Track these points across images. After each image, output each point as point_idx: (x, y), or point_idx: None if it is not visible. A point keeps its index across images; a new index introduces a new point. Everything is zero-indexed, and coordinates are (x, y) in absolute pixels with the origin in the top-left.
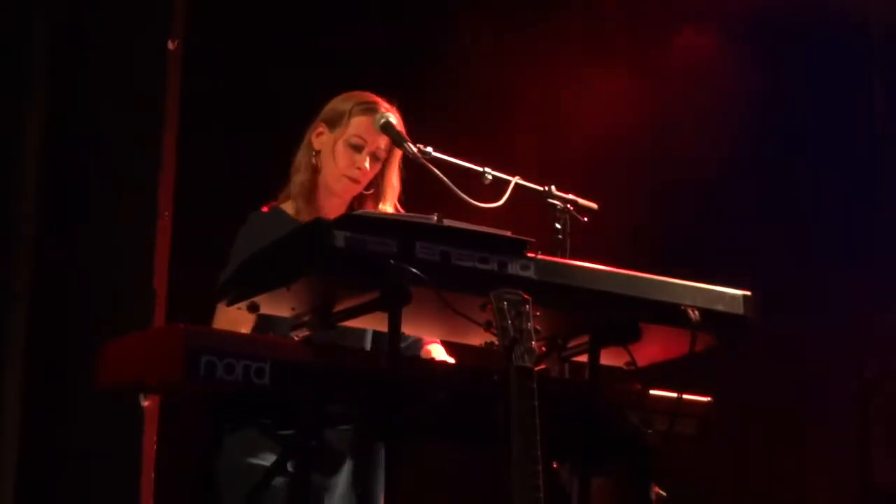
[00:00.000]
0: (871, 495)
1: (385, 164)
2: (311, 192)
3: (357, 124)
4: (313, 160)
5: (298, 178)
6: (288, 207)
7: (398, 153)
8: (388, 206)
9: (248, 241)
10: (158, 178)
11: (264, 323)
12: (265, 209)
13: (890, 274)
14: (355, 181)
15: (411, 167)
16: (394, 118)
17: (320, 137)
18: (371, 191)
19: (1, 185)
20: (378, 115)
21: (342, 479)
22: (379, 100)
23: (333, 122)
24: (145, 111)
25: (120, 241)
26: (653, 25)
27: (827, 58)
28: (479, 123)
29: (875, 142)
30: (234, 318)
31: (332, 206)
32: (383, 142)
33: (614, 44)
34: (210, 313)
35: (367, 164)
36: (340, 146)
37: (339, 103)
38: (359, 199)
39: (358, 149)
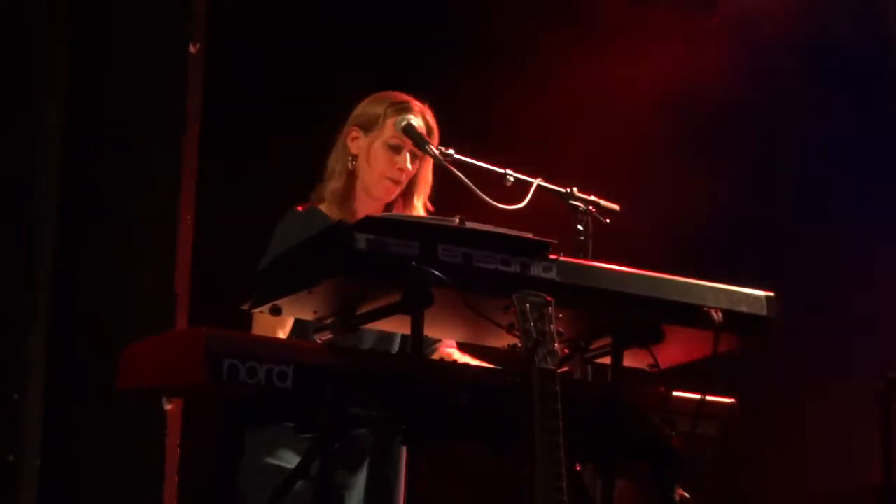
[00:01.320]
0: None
1: (420, 161)
2: (346, 196)
3: (393, 125)
4: (349, 165)
5: (333, 183)
6: (324, 207)
7: (451, 163)
8: (419, 201)
9: (281, 241)
10: (180, 181)
11: (302, 328)
12: (300, 208)
13: None
14: (397, 182)
15: (436, 169)
16: (417, 120)
17: (356, 141)
18: (409, 188)
19: (23, 187)
20: (399, 118)
21: (362, 478)
22: (411, 99)
23: (368, 126)
24: (167, 114)
25: (142, 243)
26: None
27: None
28: (501, 123)
29: None
30: (272, 324)
31: (369, 209)
32: (433, 151)
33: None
34: (233, 317)
35: (408, 164)
36: (378, 148)
37: (371, 106)
38: (393, 199)
39: (397, 149)
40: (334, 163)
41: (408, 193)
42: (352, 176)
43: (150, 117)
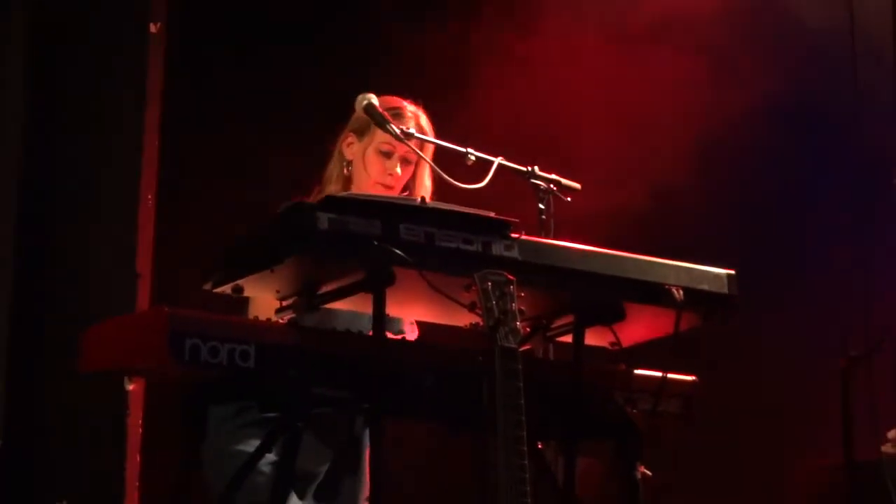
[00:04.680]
0: (855, 473)
1: (417, 165)
2: None
3: (382, 131)
4: (346, 171)
5: (330, 188)
6: None
7: (429, 152)
8: None
9: None
10: (141, 160)
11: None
12: None
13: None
14: (389, 188)
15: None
16: (376, 100)
17: (351, 147)
18: (406, 192)
19: None
20: (360, 97)
21: (325, 469)
22: (403, 103)
23: (362, 131)
24: (128, 93)
25: (103, 223)
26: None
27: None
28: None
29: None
30: (268, 309)
31: None
32: (413, 143)
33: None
34: (195, 297)
35: (398, 170)
36: (371, 154)
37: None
38: None
39: (388, 155)
40: (332, 168)
41: None
42: (348, 181)
43: (111, 96)
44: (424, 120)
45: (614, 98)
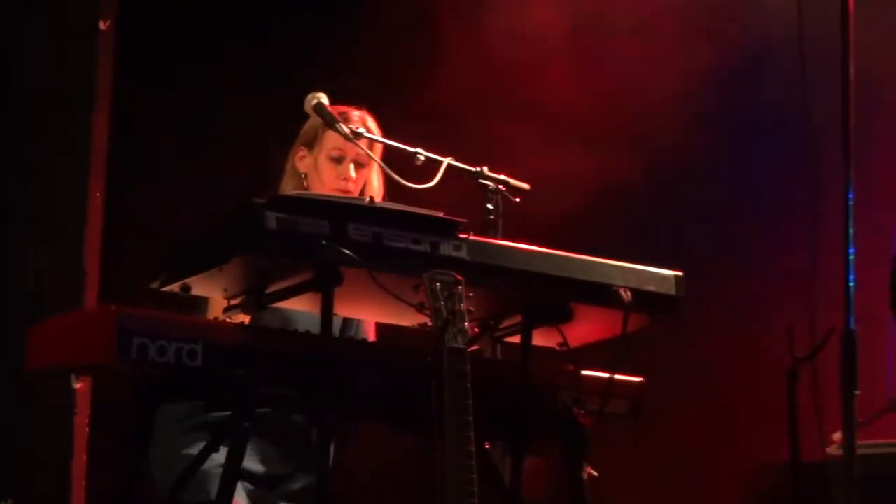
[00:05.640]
0: (801, 474)
1: (368, 167)
2: None
3: (331, 136)
4: (304, 184)
5: None
6: None
7: (377, 153)
8: None
9: None
10: (90, 158)
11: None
12: None
13: (824, 254)
14: (345, 192)
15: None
16: (324, 100)
17: (303, 161)
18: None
19: None
20: (309, 97)
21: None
22: (349, 109)
23: (311, 142)
24: (77, 90)
25: (51, 221)
26: None
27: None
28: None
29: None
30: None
31: None
32: (362, 145)
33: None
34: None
35: (352, 173)
36: (322, 162)
37: (311, 122)
38: None
39: (339, 160)
40: (285, 185)
41: None
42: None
43: (60, 94)
44: (371, 122)
45: (560, 99)
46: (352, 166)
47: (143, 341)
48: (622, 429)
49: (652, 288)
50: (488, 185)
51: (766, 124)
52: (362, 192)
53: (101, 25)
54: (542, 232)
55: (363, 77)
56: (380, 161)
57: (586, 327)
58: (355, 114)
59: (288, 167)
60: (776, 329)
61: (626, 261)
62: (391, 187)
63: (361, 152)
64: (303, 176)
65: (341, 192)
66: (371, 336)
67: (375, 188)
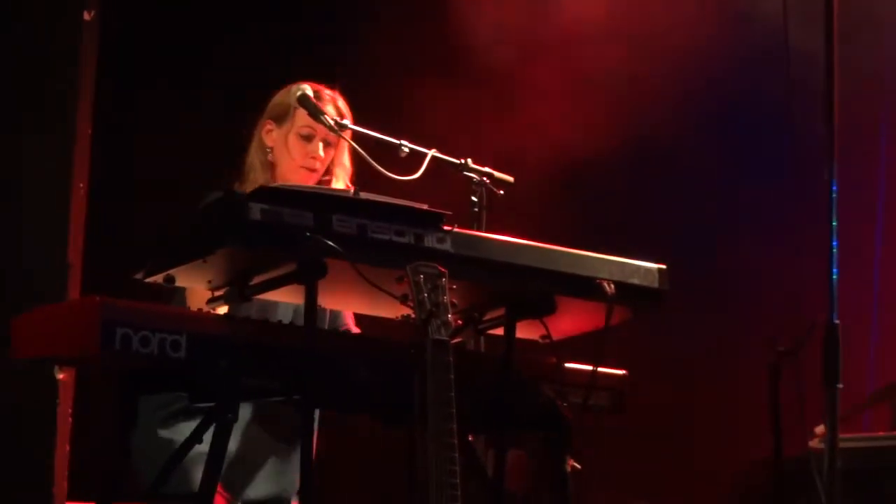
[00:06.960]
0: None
1: (336, 146)
2: None
3: (303, 114)
4: (269, 157)
5: (254, 176)
6: None
7: (347, 134)
8: (340, 185)
9: None
10: (73, 149)
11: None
12: None
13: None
14: (312, 170)
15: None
16: (310, 90)
17: (270, 134)
18: (328, 176)
19: None
20: (294, 88)
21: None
22: (321, 87)
23: (280, 117)
24: (60, 81)
25: (35, 212)
26: None
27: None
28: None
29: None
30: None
31: None
32: (346, 134)
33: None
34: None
35: (321, 152)
36: (292, 139)
37: (282, 97)
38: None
39: (309, 138)
40: (252, 157)
41: (326, 181)
42: (272, 167)
43: (44, 85)
44: (341, 102)
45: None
46: (321, 145)
47: (126, 332)
48: (604, 423)
49: (635, 281)
50: (472, 178)
51: (750, 119)
52: (328, 171)
53: (86, 16)
54: (525, 224)
55: (340, 68)
56: (355, 144)
57: (570, 320)
58: (327, 93)
59: (255, 139)
60: (760, 323)
61: (609, 254)
62: (375, 178)
63: (331, 132)
64: (268, 150)
65: (308, 171)
66: (351, 326)
67: (346, 166)
